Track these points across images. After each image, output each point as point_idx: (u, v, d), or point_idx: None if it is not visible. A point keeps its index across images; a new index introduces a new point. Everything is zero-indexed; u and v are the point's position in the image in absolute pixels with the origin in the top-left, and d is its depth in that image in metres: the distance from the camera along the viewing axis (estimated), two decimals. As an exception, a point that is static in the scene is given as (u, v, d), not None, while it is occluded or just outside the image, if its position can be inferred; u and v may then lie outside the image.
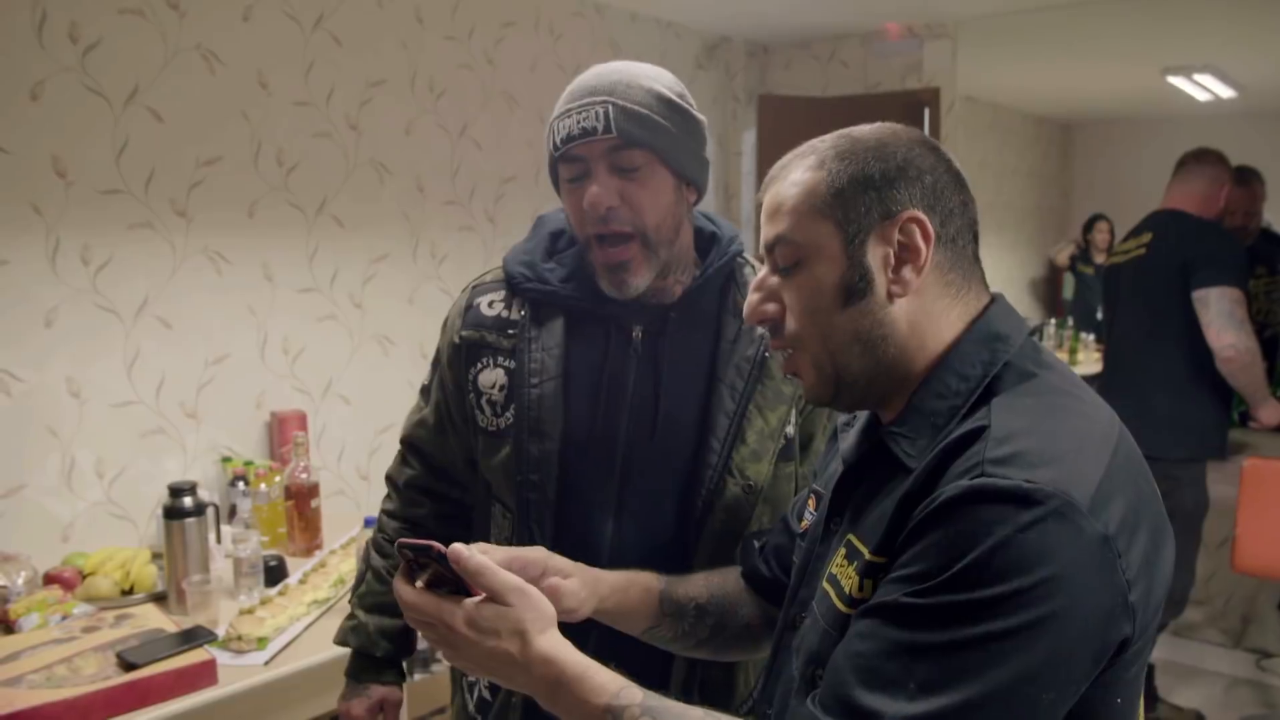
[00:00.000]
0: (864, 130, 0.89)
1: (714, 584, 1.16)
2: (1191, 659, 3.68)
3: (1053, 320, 6.30)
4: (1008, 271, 7.35)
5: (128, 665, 1.65)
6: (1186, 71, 5.47)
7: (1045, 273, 8.17)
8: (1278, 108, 6.75)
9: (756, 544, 1.19)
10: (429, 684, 2.76)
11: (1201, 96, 6.12)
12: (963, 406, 0.82)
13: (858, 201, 0.85)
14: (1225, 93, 5.97)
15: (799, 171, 0.88)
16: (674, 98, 1.20)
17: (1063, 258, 7.00)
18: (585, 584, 1.06)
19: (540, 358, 1.24)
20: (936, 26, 4.13)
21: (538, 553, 1.05)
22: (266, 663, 1.80)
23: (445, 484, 1.43)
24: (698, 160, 1.24)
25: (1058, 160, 8.36)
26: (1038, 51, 5.11)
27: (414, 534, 0.94)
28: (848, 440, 0.97)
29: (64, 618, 1.89)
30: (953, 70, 4.13)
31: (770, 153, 4.23)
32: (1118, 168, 8.05)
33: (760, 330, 0.95)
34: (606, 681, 0.84)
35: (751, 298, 0.92)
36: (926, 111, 4.00)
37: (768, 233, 0.90)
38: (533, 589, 0.88)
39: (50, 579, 2.08)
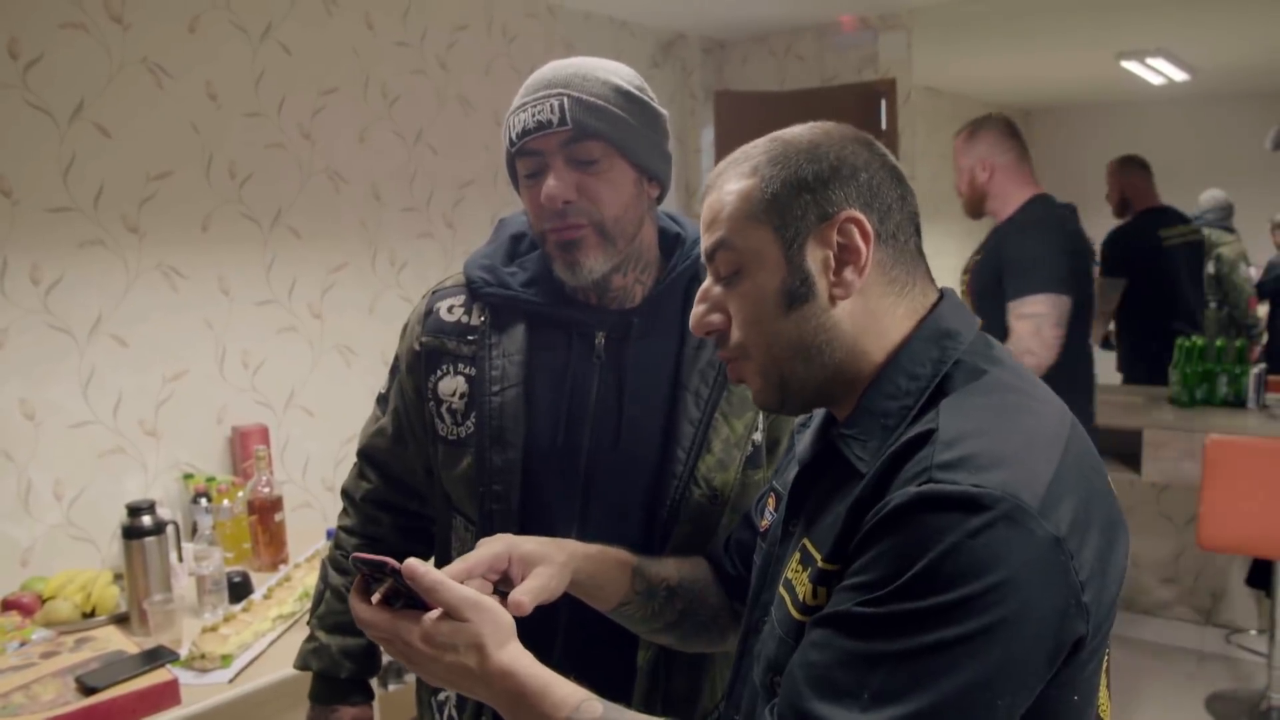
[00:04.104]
0: (796, 132, 0.88)
1: (685, 569, 1.15)
2: (1163, 637, 3.72)
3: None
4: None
5: (87, 689, 1.63)
6: (1140, 56, 5.53)
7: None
8: (1230, 90, 6.84)
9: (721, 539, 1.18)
10: (403, 694, 2.74)
11: (1155, 80, 6.19)
12: (913, 407, 0.81)
13: (793, 205, 0.84)
14: (1178, 76, 6.03)
15: (733, 180, 0.87)
16: (632, 90, 1.18)
17: None
18: (554, 566, 1.01)
19: (501, 364, 1.21)
20: (891, 18, 4.16)
21: (499, 544, 1.01)
22: (231, 680, 1.78)
23: (404, 496, 1.39)
24: (659, 153, 1.21)
25: (1018, 147, 8.43)
26: (994, 40, 5.14)
27: (373, 550, 0.91)
28: (804, 440, 0.96)
29: (22, 644, 1.86)
30: (908, 61, 4.16)
31: (729, 149, 4.19)
32: (1077, 153, 8.11)
33: None
34: (567, 695, 0.83)
35: (696, 309, 0.91)
36: (883, 103, 4.02)
37: (707, 241, 0.89)
38: (490, 602, 0.86)
39: (8, 605, 2.05)
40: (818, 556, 0.82)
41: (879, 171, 0.86)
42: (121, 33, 2.45)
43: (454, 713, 1.30)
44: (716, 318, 0.89)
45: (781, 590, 0.88)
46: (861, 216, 0.83)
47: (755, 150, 0.88)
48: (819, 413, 0.96)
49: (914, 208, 0.88)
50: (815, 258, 0.84)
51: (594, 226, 1.15)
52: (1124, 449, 3.49)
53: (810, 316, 0.84)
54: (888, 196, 0.85)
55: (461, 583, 0.93)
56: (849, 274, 0.83)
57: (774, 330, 0.85)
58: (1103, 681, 0.84)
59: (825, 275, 0.84)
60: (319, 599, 1.43)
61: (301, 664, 1.41)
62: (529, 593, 0.96)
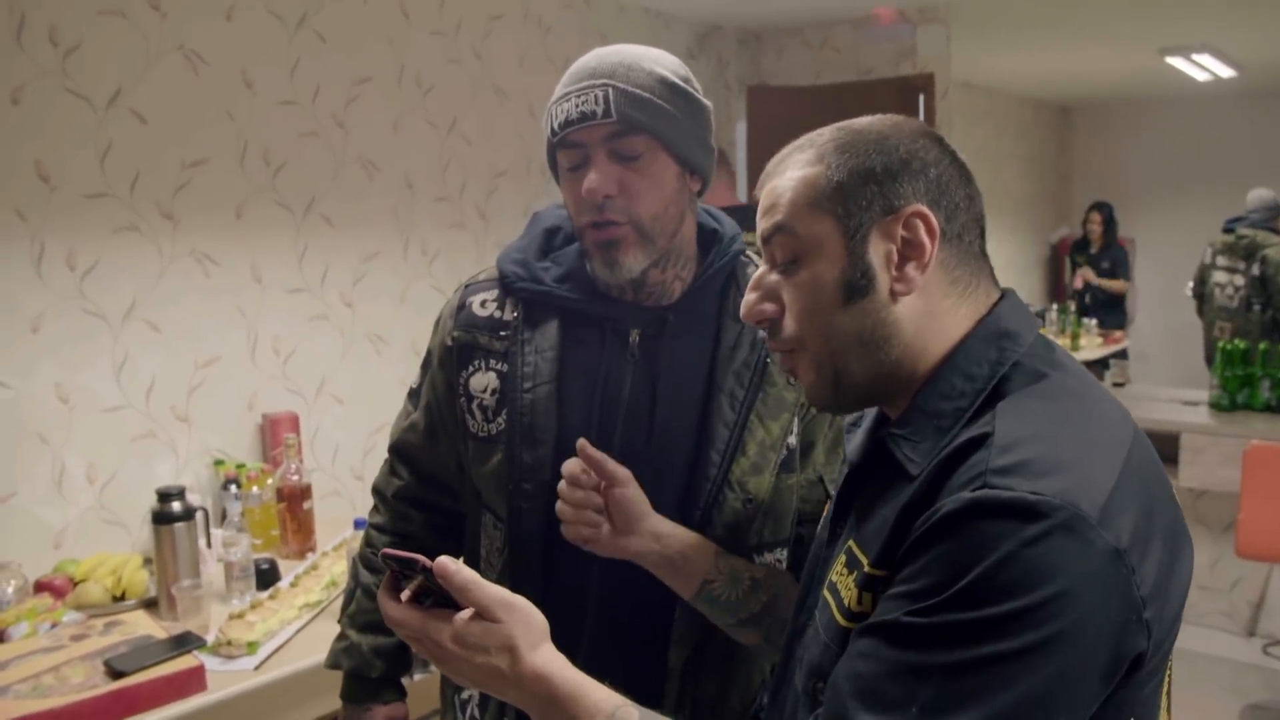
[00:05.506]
0: (865, 122, 0.85)
1: (766, 568, 1.15)
2: (1198, 645, 3.66)
3: (1054, 305, 6.25)
4: (1008, 256, 7.32)
5: (115, 673, 1.64)
6: (1185, 51, 5.43)
7: (1047, 256, 8.13)
8: (1278, 86, 6.69)
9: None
10: (426, 685, 2.75)
11: (1200, 76, 6.07)
12: (968, 409, 0.78)
13: (859, 196, 0.81)
14: (1224, 72, 5.92)
15: (797, 166, 0.84)
16: (677, 81, 1.15)
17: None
18: (648, 509, 1.10)
19: (533, 361, 1.19)
20: (929, 10, 4.10)
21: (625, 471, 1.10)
22: (257, 667, 1.79)
23: (436, 493, 1.37)
24: (702, 147, 1.18)
25: (1056, 144, 8.31)
26: (1034, 34, 5.07)
27: (405, 548, 0.89)
28: (854, 440, 0.93)
29: (53, 626, 1.87)
30: (947, 55, 4.10)
31: (761, 144, 4.21)
32: (1117, 150, 8.00)
33: (761, 333, 0.91)
34: (601, 700, 0.81)
35: (749, 296, 0.88)
36: (921, 98, 3.97)
37: (764, 225, 0.86)
38: (522, 602, 0.84)
39: (41, 587, 2.07)
40: (864, 560, 0.80)
41: (948, 169, 0.83)
42: (159, 20, 2.46)
43: (476, 712, 1.29)
44: (769, 306, 0.86)
45: (826, 594, 0.86)
46: (928, 212, 0.80)
47: (821, 138, 0.85)
48: (870, 412, 0.93)
49: (980, 209, 0.85)
50: (878, 251, 0.81)
51: (633, 225, 1.13)
52: (1161, 453, 3.42)
53: (870, 311, 0.81)
54: (955, 195, 0.83)
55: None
56: (912, 270, 0.81)
57: (831, 322, 0.82)
58: (1163, 704, 0.80)
59: (887, 270, 0.81)
60: (350, 597, 1.42)
61: (333, 663, 1.40)
62: (627, 483, 1.08)
